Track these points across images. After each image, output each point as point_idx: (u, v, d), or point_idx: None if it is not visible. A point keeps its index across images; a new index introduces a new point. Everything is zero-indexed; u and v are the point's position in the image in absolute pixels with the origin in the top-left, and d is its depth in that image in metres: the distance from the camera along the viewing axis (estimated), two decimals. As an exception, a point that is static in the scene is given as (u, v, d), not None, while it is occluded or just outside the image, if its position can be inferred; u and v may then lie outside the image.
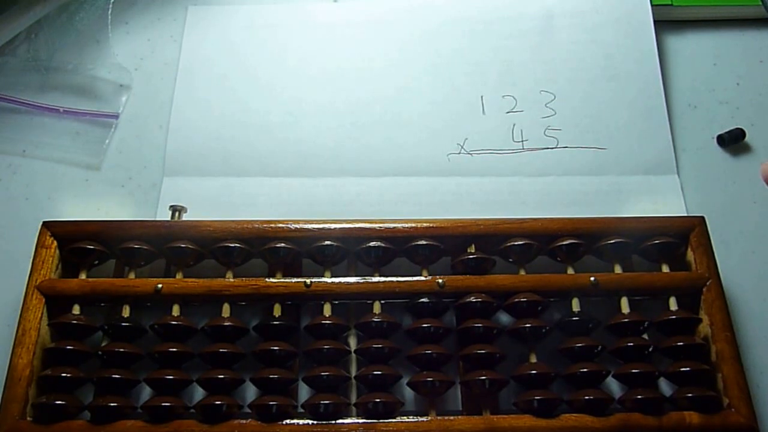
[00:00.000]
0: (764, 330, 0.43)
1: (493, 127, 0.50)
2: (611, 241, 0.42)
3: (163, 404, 0.38)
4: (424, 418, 0.38)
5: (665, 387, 0.41)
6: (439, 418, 0.38)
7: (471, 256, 0.42)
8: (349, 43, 0.53)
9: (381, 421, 0.38)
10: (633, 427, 0.38)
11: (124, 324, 0.40)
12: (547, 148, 0.49)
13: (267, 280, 0.41)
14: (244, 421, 0.38)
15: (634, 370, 0.39)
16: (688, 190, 0.47)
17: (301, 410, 0.39)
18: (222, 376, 0.39)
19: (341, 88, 0.51)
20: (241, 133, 0.49)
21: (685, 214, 0.46)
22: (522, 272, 0.42)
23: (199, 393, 0.40)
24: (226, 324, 0.40)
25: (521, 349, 0.41)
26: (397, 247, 0.42)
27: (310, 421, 0.38)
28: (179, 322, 0.40)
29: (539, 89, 0.51)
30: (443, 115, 0.50)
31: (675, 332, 0.40)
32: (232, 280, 0.41)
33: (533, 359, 0.40)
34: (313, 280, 0.41)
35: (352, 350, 0.41)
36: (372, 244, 0.42)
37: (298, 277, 0.42)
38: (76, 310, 0.40)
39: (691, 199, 0.47)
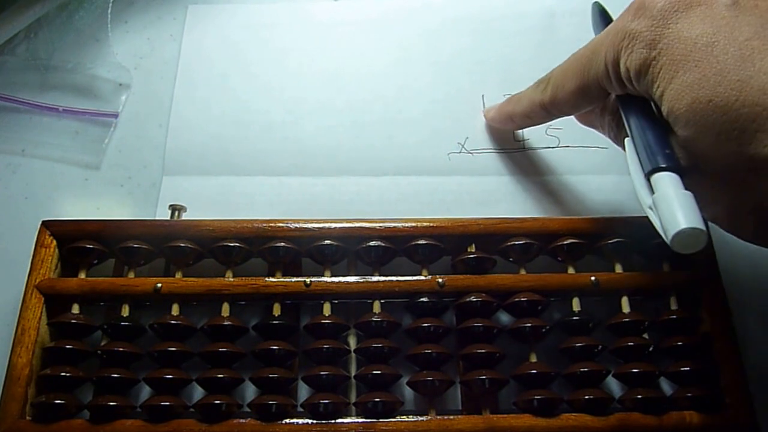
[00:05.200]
0: (765, 329, 0.43)
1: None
2: (612, 241, 0.42)
3: (163, 403, 0.38)
4: (423, 418, 0.38)
5: (666, 386, 0.41)
6: (438, 417, 0.38)
7: (471, 256, 0.41)
8: (349, 42, 0.53)
9: (380, 420, 0.38)
10: (633, 427, 0.38)
11: (123, 323, 0.40)
12: (548, 148, 0.49)
13: (266, 279, 0.41)
14: (243, 421, 0.38)
15: (634, 370, 0.39)
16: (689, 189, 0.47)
17: (301, 409, 0.39)
18: (221, 376, 0.39)
19: (341, 87, 0.51)
20: (240, 132, 0.49)
21: (686, 214, 0.46)
22: (522, 272, 0.42)
23: (198, 392, 0.40)
24: (225, 323, 0.40)
25: (521, 349, 0.41)
26: (397, 246, 0.42)
27: (310, 421, 0.38)
28: (178, 322, 0.40)
29: (540, 88, 0.51)
30: (444, 114, 0.50)
31: (675, 332, 0.40)
32: (231, 279, 0.41)
33: (533, 359, 0.40)
34: (313, 279, 0.41)
35: (352, 350, 0.41)
36: (372, 243, 0.41)
37: (297, 276, 0.41)
38: (75, 309, 0.40)
39: (693, 198, 0.47)
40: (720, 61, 0.31)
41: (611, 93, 0.37)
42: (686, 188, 0.32)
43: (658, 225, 0.32)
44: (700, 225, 0.30)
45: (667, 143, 0.33)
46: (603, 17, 0.42)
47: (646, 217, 0.43)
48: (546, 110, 0.42)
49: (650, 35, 0.33)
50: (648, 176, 0.33)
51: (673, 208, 0.31)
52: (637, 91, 0.35)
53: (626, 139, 0.36)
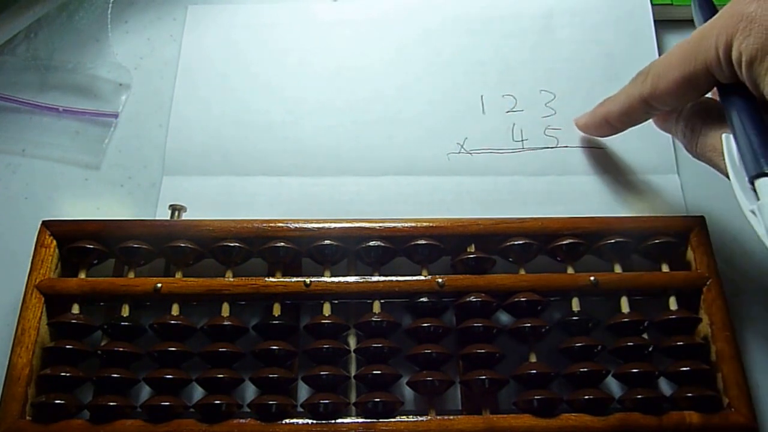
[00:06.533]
0: (764, 329, 0.43)
1: (493, 126, 0.50)
2: (611, 241, 0.42)
3: (163, 404, 0.38)
4: (423, 418, 0.38)
5: (665, 387, 0.41)
6: (438, 417, 0.38)
7: (471, 256, 0.42)
8: (349, 42, 0.53)
9: (380, 420, 0.38)
10: (633, 427, 0.38)
11: (123, 323, 0.40)
12: (547, 148, 0.49)
13: (266, 279, 0.41)
14: (243, 421, 0.38)
15: (633, 370, 0.39)
16: (688, 189, 0.47)
17: (301, 410, 0.39)
18: (221, 376, 0.39)
19: (341, 87, 0.51)
20: (240, 132, 0.49)
21: (686, 214, 0.46)
22: (522, 272, 0.42)
23: (198, 392, 0.40)
24: (225, 323, 0.40)
25: (521, 349, 0.41)
26: (396, 246, 0.42)
27: (310, 421, 0.38)
28: (178, 322, 0.40)
29: (539, 89, 0.51)
30: (443, 114, 0.50)
31: (675, 332, 0.40)
32: (231, 279, 0.41)
33: (533, 359, 0.40)
34: (313, 279, 0.41)
35: (352, 350, 0.41)
36: (372, 243, 0.41)
37: (297, 276, 0.41)
38: (75, 309, 0.40)
39: (691, 198, 0.47)
40: None
41: (719, 81, 0.36)
42: None
43: (763, 233, 0.31)
44: None
45: None
46: (707, 3, 0.39)
47: (645, 217, 0.43)
48: (647, 103, 0.39)
49: None
50: (752, 180, 0.32)
51: None
52: (746, 79, 0.34)
53: (724, 135, 0.35)
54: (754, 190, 0.33)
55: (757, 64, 0.32)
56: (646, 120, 0.42)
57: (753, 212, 0.32)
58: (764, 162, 0.32)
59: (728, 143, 0.35)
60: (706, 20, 0.37)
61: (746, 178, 0.33)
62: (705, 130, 0.37)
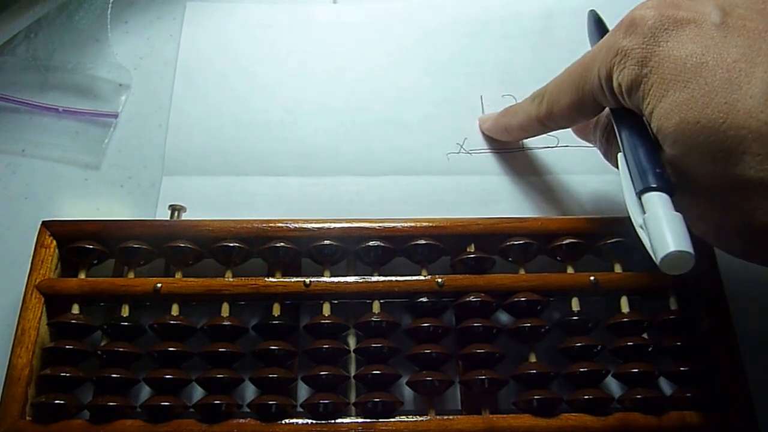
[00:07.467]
0: (764, 329, 0.43)
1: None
2: (611, 241, 0.42)
3: (163, 404, 0.38)
4: (423, 418, 0.38)
5: (665, 386, 0.41)
6: (438, 417, 0.38)
7: (470, 256, 0.42)
8: (348, 43, 0.53)
9: (380, 420, 0.38)
10: (633, 427, 0.38)
11: (123, 323, 0.40)
12: (547, 147, 0.49)
13: (266, 279, 0.41)
14: (243, 421, 0.38)
15: (633, 370, 0.39)
16: (688, 189, 0.47)
17: (301, 410, 0.39)
18: (221, 376, 0.39)
19: (341, 87, 0.51)
20: (240, 132, 0.49)
21: (686, 214, 0.46)
22: (522, 271, 0.42)
23: (198, 392, 0.40)
24: (225, 323, 0.40)
25: (521, 349, 0.41)
26: (396, 246, 0.42)
27: (310, 421, 0.38)
28: (178, 322, 0.40)
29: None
30: (443, 114, 0.50)
31: (675, 331, 0.40)
32: (231, 279, 0.41)
33: (533, 359, 0.40)
34: (313, 279, 0.41)
35: (352, 350, 0.41)
36: (371, 243, 0.41)
37: (297, 276, 0.41)
38: (75, 309, 0.40)
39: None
40: (708, 83, 0.31)
41: (606, 107, 0.38)
42: (676, 207, 0.32)
43: (648, 245, 0.32)
44: (689, 248, 0.30)
45: (659, 161, 0.33)
46: (598, 26, 0.41)
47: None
48: (542, 124, 0.42)
49: (641, 53, 0.33)
50: (639, 195, 0.33)
51: (663, 229, 0.31)
52: (630, 106, 0.35)
53: (619, 155, 0.36)
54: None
55: (634, 93, 0.34)
56: (545, 133, 0.45)
57: (641, 227, 0.33)
58: (651, 177, 0.33)
59: (622, 163, 0.36)
60: (599, 39, 0.38)
61: (635, 194, 0.34)
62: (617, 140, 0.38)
